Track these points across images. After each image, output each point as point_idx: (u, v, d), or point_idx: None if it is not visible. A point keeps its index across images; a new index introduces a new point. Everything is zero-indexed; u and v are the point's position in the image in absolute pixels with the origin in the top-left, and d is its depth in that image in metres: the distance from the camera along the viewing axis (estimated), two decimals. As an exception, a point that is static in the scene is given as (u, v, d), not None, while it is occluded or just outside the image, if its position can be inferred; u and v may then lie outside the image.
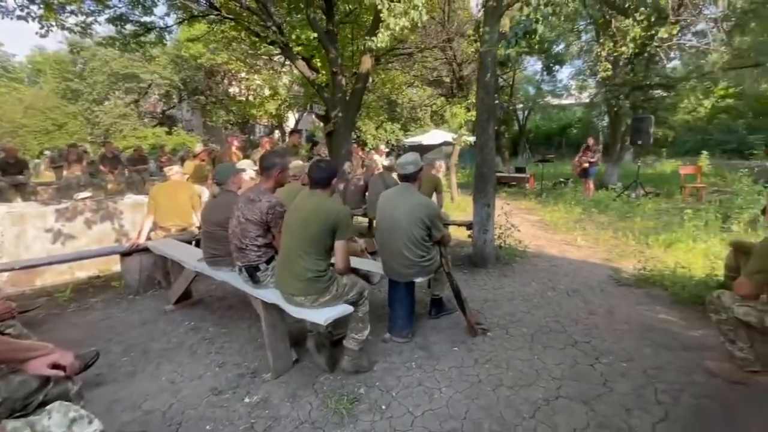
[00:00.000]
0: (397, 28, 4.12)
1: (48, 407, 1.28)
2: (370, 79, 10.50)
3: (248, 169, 4.39)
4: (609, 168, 10.32)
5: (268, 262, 2.49)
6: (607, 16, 8.24)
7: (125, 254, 3.94)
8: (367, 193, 5.56)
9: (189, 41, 13.78)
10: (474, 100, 5.81)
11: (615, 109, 9.37)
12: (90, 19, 6.69)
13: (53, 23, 6.06)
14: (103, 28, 8.01)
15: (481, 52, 4.26)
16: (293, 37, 6.66)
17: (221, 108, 19.57)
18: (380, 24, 4.43)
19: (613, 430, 1.88)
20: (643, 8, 5.53)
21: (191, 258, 3.25)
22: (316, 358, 2.49)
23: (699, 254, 4.27)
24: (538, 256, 4.82)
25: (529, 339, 2.79)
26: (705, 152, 9.94)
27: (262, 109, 18.82)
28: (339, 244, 2.27)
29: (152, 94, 20.38)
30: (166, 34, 8.27)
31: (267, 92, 18.43)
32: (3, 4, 5.80)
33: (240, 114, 19.72)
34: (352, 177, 6.08)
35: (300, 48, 7.71)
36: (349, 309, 2.29)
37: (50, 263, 3.94)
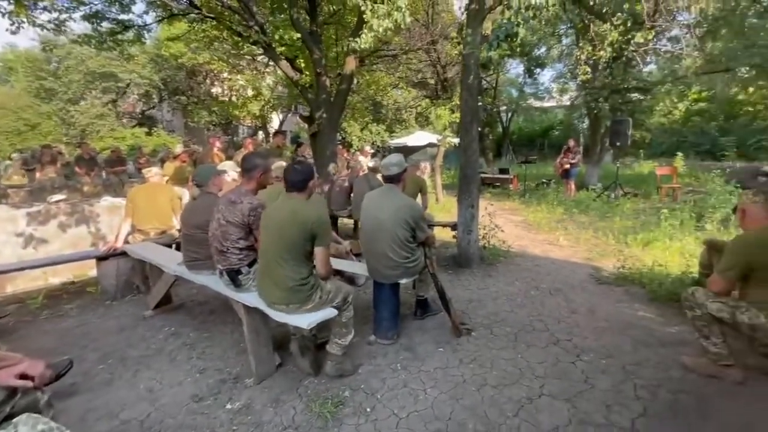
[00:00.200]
0: (380, 30, 4.12)
1: (15, 420, 1.22)
2: (355, 81, 10.47)
3: (230, 171, 4.30)
4: (589, 169, 10.57)
5: (250, 265, 2.44)
6: (586, 21, 8.47)
7: (102, 258, 3.82)
8: (352, 195, 5.53)
9: (169, 40, 13.49)
10: (458, 102, 5.86)
11: (594, 111, 9.61)
12: (64, 16, 6.48)
13: (24, 20, 5.83)
14: (78, 26, 7.76)
15: (464, 54, 4.31)
16: (276, 37, 6.57)
17: (203, 108, 19.15)
18: (364, 25, 4.42)
19: (594, 427, 1.92)
20: (620, 13, 5.71)
21: (171, 262, 3.17)
22: (299, 362, 2.46)
23: (675, 252, 4.41)
24: (521, 256, 4.89)
25: (513, 338, 2.82)
26: (680, 154, 10.25)
27: (246, 109, 18.56)
28: (319, 251, 2.22)
29: (131, 94, 19.78)
30: (145, 32, 8.07)
31: (250, 93, 18.19)
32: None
33: (223, 115, 19.36)
34: (336, 178, 6.04)
35: (283, 48, 7.62)
36: (333, 312, 2.27)
37: (22, 269, 3.78)
